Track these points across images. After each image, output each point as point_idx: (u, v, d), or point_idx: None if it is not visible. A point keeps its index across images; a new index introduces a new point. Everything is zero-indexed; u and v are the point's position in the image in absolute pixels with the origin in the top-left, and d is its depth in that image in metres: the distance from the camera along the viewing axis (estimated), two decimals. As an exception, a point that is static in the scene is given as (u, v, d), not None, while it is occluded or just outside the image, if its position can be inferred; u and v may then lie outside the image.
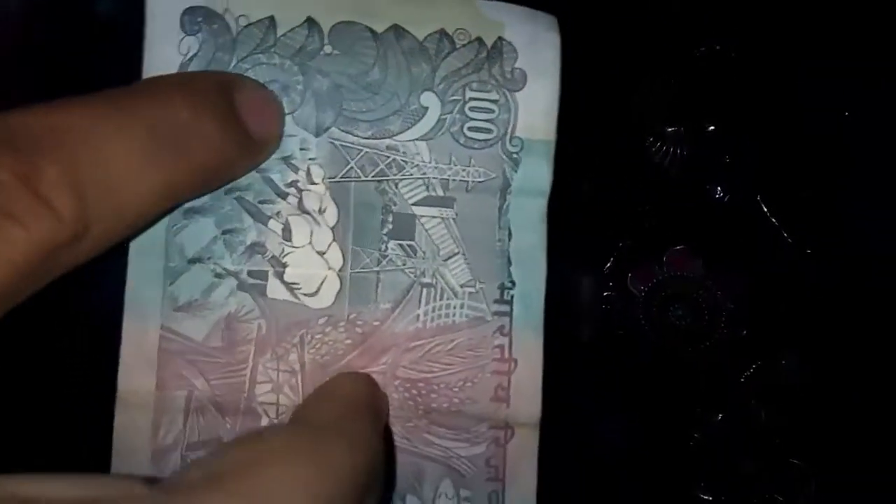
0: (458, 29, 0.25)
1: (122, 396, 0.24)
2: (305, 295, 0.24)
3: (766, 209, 0.32)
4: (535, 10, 0.25)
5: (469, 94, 0.25)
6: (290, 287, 0.24)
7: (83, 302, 0.25)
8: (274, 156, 0.24)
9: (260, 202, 0.24)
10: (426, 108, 0.25)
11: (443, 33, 0.25)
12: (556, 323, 0.26)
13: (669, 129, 0.31)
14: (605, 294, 0.32)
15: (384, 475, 0.21)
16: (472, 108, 0.25)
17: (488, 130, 0.25)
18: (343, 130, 0.24)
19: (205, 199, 0.24)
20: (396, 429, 0.25)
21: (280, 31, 0.24)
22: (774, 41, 0.31)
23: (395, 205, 0.25)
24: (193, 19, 0.24)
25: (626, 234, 0.32)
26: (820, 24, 0.31)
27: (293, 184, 0.24)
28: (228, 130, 0.22)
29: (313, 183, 0.25)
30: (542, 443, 0.25)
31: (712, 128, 0.32)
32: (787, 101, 0.32)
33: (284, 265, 0.24)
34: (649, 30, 0.31)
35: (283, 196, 0.24)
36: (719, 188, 0.32)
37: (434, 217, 0.25)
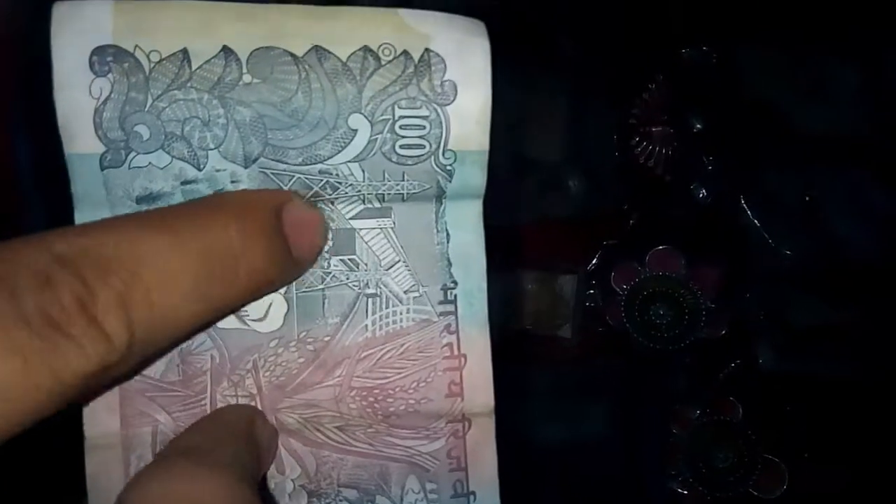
0: (382, 44, 0.24)
1: (90, 441, 0.24)
2: (254, 321, 0.25)
3: (748, 211, 0.32)
4: (461, 17, 0.25)
5: (398, 112, 0.24)
6: (238, 315, 0.25)
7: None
8: (206, 189, 0.24)
9: (198, 238, 0.24)
10: (355, 131, 0.24)
11: (367, 50, 0.24)
12: (540, 318, 0.26)
13: (655, 129, 0.32)
14: (589, 292, 0.33)
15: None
16: (402, 127, 0.25)
17: (420, 146, 0.25)
18: (272, 160, 0.24)
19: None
20: (358, 435, 0.26)
21: (195, 64, 0.23)
22: (762, 44, 0.31)
23: (332, 221, 0.25)
24: (103, 59, 0.23)
25: (610, 232, 0.32)
26: (813, 29, 0.31)
27: (229, 216, 0.24)
28: (275, 255, 0.23)
29: None
30: (525, 436, 0.26)
31: (698, 128, 0.32)
32: (774, 104, 0.32)
33: None
34: (639, 30, 0.31)
35: (221, 229, 0.24)
36: (703, 189, 0.32)
37: (373, 228, 0.25)
